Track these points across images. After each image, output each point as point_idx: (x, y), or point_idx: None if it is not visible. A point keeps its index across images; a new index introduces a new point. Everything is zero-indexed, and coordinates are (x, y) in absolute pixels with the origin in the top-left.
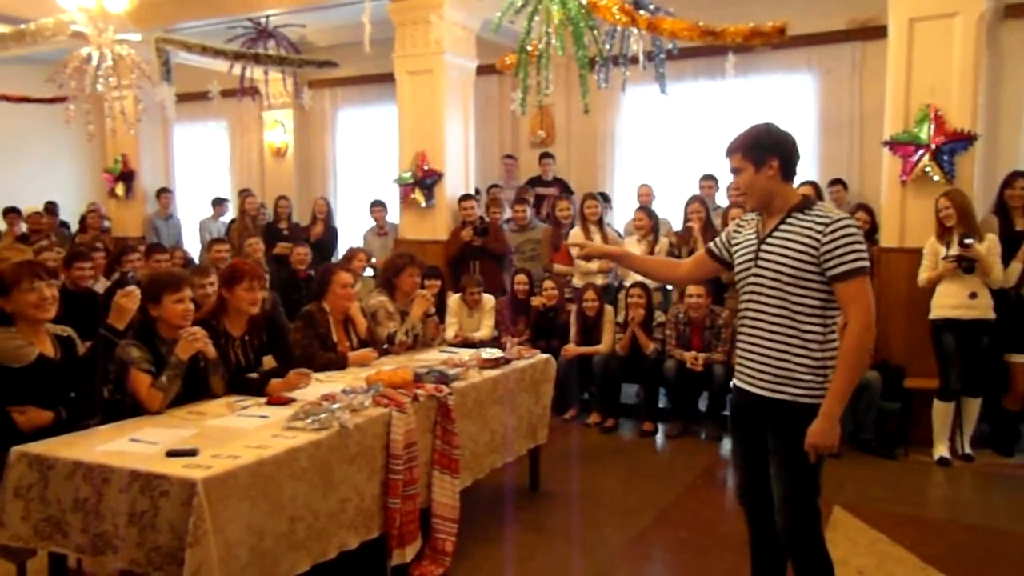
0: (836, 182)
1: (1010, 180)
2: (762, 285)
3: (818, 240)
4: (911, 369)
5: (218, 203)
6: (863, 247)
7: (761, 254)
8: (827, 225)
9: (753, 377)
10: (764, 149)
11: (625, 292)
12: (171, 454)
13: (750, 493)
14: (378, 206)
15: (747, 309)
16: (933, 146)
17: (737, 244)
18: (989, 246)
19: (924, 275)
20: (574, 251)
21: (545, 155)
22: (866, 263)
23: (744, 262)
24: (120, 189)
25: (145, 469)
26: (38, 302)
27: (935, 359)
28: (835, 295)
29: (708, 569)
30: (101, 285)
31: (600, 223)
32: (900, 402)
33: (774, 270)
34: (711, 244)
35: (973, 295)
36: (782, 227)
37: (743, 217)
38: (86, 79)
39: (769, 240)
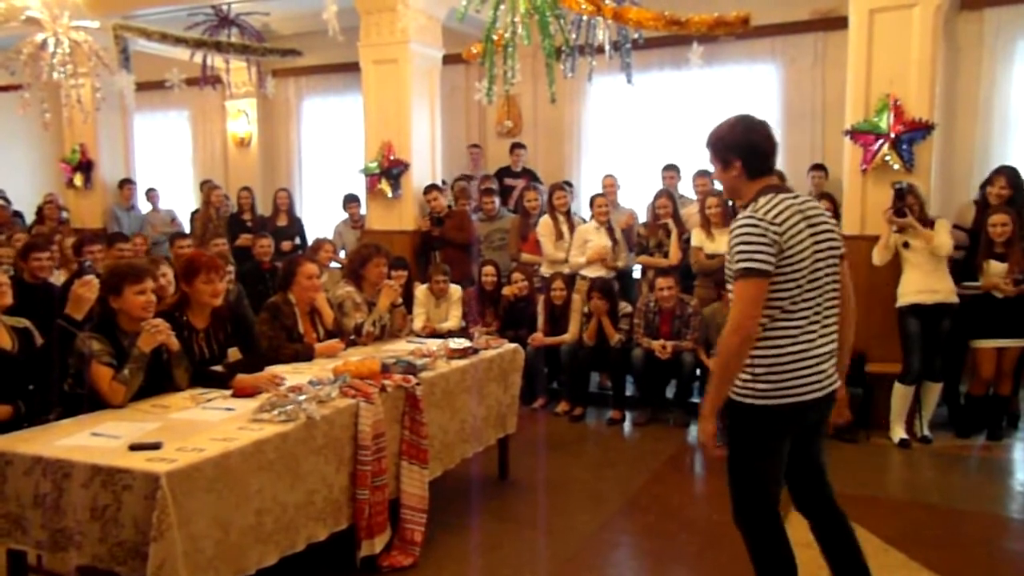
0: (817, 167)
1: (991, 178)
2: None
3: (730, 240)
4: (872, 354)
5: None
6: (752, 246)
7: None
8: (734, 224)
9: None
10: (728, 150)
11: (588, 288)
12: (134, 448)
13: (787, 487)
14: (353, 201)
15: None
16: (893, 135)
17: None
18: (939, 228)
19: (875, 254)
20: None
21: (516, 145)
22: (750, 264)
23: None
24: (79, 179)
25: (107, 463)
26: None
27: (900, 344)
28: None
29: (675, 554)
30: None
31: (568, 213)
32: (861, 387)
33: (728, 268)
34: None
35: (906, 245)
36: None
37: None
38: (42, 66)
39: None
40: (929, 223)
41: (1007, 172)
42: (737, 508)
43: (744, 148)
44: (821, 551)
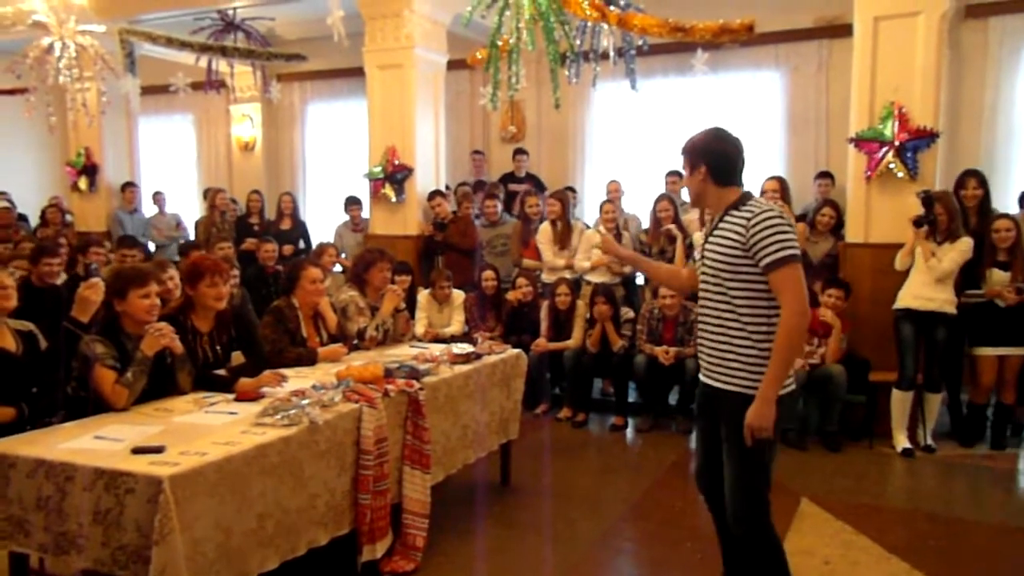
0: (824, 175)
1: (962, 180)
2: (707, 281)
3: (744, 235)
4: (876, 363)
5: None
6: (787, 235)
7: (705, 251)
8: (750, 219)
9: (708, 369)
10: (696, 155)
11: (591, 292)
12: (137, 451)
13: (705, 479)
14: (354, 204)
15: (700, 304)
16: (897, 143)
17: (699, 246)
18: (954, 247)
19: (897, 258)
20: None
21: (519, 151)
22: (793, 251)
23: (698, 260)
24: (83, 183)
25: (110, 467)
26: None
27: (895, 349)
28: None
29: (678, 561)
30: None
31: (566, 219)
32: (865, 395)
33: (714, 265)
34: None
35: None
36: (720, 224)
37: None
38: (47, 70)
39: (710, 238)
40: (955, 237)
41: (975, 174)
42: (745, 511)
43: (711, 154)
44: (720, 542)
